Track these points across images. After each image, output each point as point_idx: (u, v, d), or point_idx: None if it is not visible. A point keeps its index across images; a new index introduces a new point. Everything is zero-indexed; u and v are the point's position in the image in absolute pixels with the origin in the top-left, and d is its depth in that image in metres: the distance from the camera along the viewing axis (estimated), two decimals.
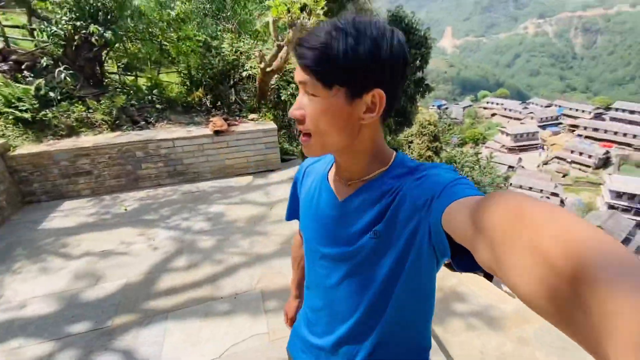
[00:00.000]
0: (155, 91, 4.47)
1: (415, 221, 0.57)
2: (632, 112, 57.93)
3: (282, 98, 4.96)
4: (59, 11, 3.75)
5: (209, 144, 3.95)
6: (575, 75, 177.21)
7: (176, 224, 3.11)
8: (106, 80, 4.56)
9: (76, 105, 3.93)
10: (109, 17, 3.72)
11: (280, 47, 4.25)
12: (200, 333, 1.94)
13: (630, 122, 55.19)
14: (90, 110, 3.99)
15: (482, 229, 0.35)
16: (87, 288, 2.32)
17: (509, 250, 0.30)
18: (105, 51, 4.09)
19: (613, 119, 58.55)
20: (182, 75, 4.85)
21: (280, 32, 4.41)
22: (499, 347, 1.92)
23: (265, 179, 4.04)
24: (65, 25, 3.72)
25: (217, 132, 3.89)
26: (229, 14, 5.29)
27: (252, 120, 4.51)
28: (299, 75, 0.57)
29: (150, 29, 3.97)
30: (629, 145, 50.06)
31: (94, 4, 3.62)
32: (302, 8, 3.95)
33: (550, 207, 0.29)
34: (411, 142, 13.89)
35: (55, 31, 3.69)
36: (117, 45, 3.98)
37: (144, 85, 4.61)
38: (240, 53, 5.00)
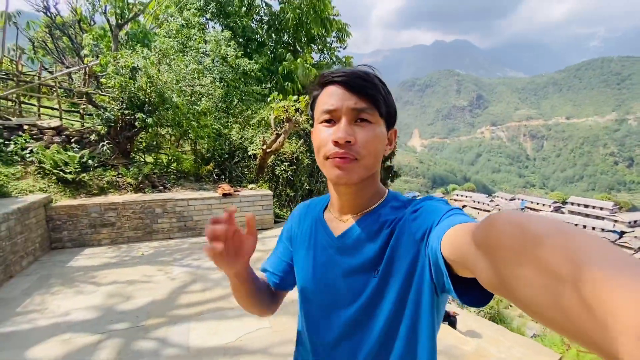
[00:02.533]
0: (173, 164, 5.49)
1: (413, 254, 0.57)
2: (586, 206, 63.99)
3: (277, 173, 6.09)
4: (113, 102, 4.98)
5: (217, 204, 4.80)
6: (531, 173, 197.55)
7: (188, 263, 3.74)
8: (132, 154, 5.58)
9: (109, 171, 4.83)
10: (151, 108, 4.96)
11: (278, 135, 5.57)
12: (218, 327, 2.51)
13: (586, 215, 60.55)
14: (120, 175, 4.87)
15: (485, 248, 0.35)
16: (120, 303, 2.85)
17: (512, 265, 0.30)
18: (142, 132, 5.21)
19: (571, 212, 64.06)
20: (196, 153, 5.98)
21: (277, 124, 5.79)
22: None
23: (261, 235, 4.80)
24: (115, 112, 4.89)
25: (225, 195, 4.80)
26: (237, 110, 6.80)
27: (251, 189, 5.50)
28: (354, 102, 0.60)
29: (178, 119, 5.20)
30: None
31: (143, 99, 4.89)
32: (297, 109, 5.41)
33: (551, 220, 0.30)
34: None
35: (108, 116, 4.84)
36: (153, 128, 5.13)
37: (164, 159, 5.65)
38: (245, 139, 6.30)
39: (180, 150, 6.13)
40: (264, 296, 0.81)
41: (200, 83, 5.57)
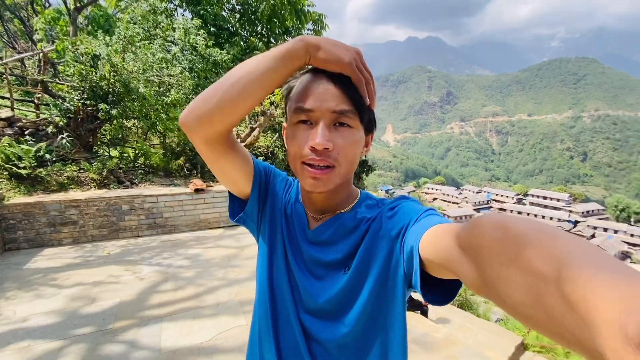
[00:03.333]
0: (141, 159, 5.23)
1: (388, 250, 0.57)
2: (544, 197, 68.49)
3: None
4: (73, 92, 4.64)
5: (188, 200, 4.65)
6: (496, 167, 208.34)
7: (158, 262, 3.60)
8: (95, 148, 5.25)
9: (70, 166, 4.52)
10: (116, 98, 4.67)
11: (252, 129, 5.45)
12: (192, 327, 2.44)
13: (545, 207, 64.92)
14: (82, 170, 4.57)
15: (469, 249, 0.35)
16: (85, 306, 2.70)
17: (496, 265, 0.30)
18: (106, 124, 4.90)
19: (532, 203, 68.33)
20: (165, 147, 5.73)
21: (251, 117, 5.67)
22: None
23: (235, 231, 4.71)
24: (75, 103, 4.57)
25: (197, 190, 4.64)
26: None
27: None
28: (335, 104, 0.55)
29: (145, 110, 4.94)
30: None
31: (106, 89, 4.59)
32: (272, 102, 5.32)
33: (534, 221, 0.30)
34: None
35: (67, 107, 4.50)
36: (118, 120, 4.84)
37: (131, 153, 5.37)
38: None
39: (148, 143, 5.85)
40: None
41: (169, 73, 5.32)
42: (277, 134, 6.61)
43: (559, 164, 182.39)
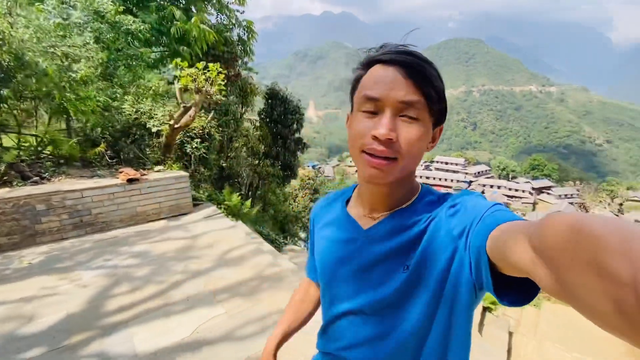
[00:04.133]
0: (48, 148, 4.37)
1: (451, 250, 0.54)
2: (446, 163, 78.99)
3: (187, 151, 5.52)
4: None
5: (121, 192, 4.12)
6: None
7: (100, 264, 3.19)
8: None
9: None
10: (5, 75, 3.73)
11: (186, 108, 5.00)
12: (167, 325, 2.30)
13: (447, 171, 75.13)
14: None
15: (541, 251, 0.33)
16: (21, 327, 2.28)
17: (571, 269, 0.28)
18: None
19: (437, 169, 78.18)
20: (77, 133, 4.86)
21: (189, 97, 5.18)
22: None
23: (180, 221, 4.39)
24: None
25: (130, 181, 4.14)
26: (126, 79, 5.74)
27: (158, 171, 4.87)
28: (403, 94, 0.53)
29: (47, 89, 4.07)
30: (449, 187, 67.11)
31: None
32: (207, 79, 4.92)
33: (610, 219, 0.28)
34: (296, 196, 15.54)
35: None
36: (11, 102, 3.88)
37: (32, 141, 4.43)
38: (142, 113, 5.43)
39: (56, 129, 4.90)
40: (314, 309, 0.90)
41: (72, 43, 4.42)
42: (211, 114, 6.17)
43: (456, 133, 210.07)
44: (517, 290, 0.46)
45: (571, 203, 50.46)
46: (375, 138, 0.54)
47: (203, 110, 6.21)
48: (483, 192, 61.06)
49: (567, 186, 56.85)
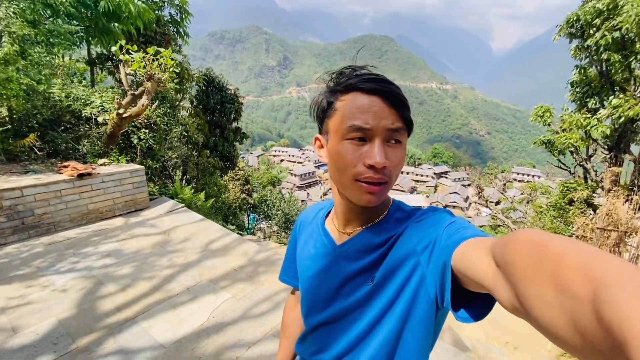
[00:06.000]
0: None
1: (412, 264, 0.56)
2: None
3: (134, 142, 5.10)
4: None
5: (69, 189, 3.70)
6: None
7: (69, 268, 2.92)
8: None
9: None
10: None
11: (134, 96, 4.64)
12: (179, 316, 2.36)
13: None
14: None
15: (503, 265, 0.34)
16: (8, 339, 2.07)
17: (530, 284, 0.29)
18: None
19: None
20: (2, 121, 4.08)
21: (132, 84, 4.77)
22: None
23: (140, 217, 4.15)
24: None
25: (81, 176, 3.74)
26: (47, 58, 4.96)
27: (102, 165, 4.45)
28: (391, 122, 0.56)
29: None
30: None
31: None
32: (159, 64, 4.64)
33: (571, 240, 0.29)
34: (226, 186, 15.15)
35: None
36: None
37: None
38: (75, 99, 4.81)
39: None
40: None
41: None
42: (157, 102, 5.74)
43: None
44: (474, 307, 0.48)
45: (463, 185, 59.91)
46: (371, 167, 0.56)
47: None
48: None
49: (460, 171, 67.23)
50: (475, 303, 0.48)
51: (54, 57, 5.19)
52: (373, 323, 0.61)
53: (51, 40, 5.13)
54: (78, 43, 6.23)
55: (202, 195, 5.90)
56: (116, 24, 6.39)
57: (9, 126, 4.12)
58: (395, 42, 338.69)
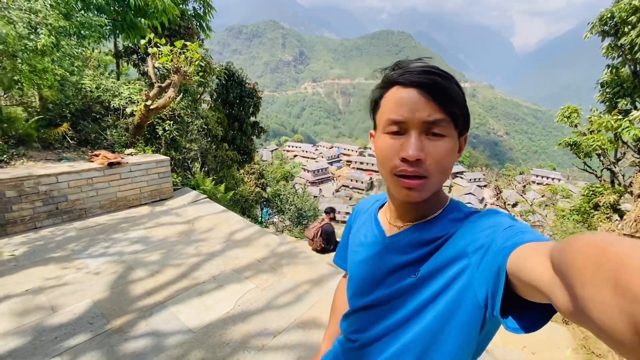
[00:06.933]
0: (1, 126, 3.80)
1: (459, 267, 0.55)
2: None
3: (160, 133, 5.24)
4: None
5: (100, 177, 3.84)
6: (342, 125, 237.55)
7: (101, 252, 3.05)
8: None
9: None
10: None
11: (161, 88, 4.75)
12: (206, 303, 2.44)
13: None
14: None
15: (560, 269, 0.33)
16: (48, 317, 2.19)
17: (589, 287, 0.28)
18: None
19: (370, 155, 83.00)
20: (29, 110, 4.27)
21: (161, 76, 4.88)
22: None
23: (165, 206, 4.27)
24: None
25: (111, 165, 3.87)
26: (79, 49, 5.13)
27: (129, 154, 4.59)
28: (427, 114, 0.54)
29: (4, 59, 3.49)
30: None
31: None
32: (186, 58, 4.73)
33: (635, 241, 0.28)
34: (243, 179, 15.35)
35: None
36: None
37: None
38: (106, 90, 4.97)
39: (9, 105, 4.22)
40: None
41: (30, 6, 3.81)
42: (182, 95, 5.87)
43: None
44: (526, 317, 0.46)
45: (479, 186, 58.73)
46: (404, 160, 0.56)
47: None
48: None
49: (476, 171, 65.87)
50: (527, 313, 0.46)
51: (84, 49, 5.37)
52: (411, 315, 0.61)
53: (82, 32, 5.29)
54: (107, 36, 6.41)
55: (222, 187, 6.01)
56: (142, 19, 6.54)
57: (44, 115, 4.30)
58: (413, 38, 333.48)
